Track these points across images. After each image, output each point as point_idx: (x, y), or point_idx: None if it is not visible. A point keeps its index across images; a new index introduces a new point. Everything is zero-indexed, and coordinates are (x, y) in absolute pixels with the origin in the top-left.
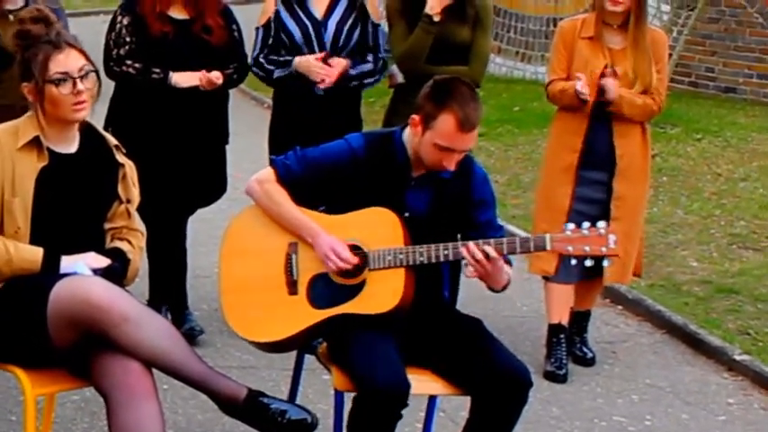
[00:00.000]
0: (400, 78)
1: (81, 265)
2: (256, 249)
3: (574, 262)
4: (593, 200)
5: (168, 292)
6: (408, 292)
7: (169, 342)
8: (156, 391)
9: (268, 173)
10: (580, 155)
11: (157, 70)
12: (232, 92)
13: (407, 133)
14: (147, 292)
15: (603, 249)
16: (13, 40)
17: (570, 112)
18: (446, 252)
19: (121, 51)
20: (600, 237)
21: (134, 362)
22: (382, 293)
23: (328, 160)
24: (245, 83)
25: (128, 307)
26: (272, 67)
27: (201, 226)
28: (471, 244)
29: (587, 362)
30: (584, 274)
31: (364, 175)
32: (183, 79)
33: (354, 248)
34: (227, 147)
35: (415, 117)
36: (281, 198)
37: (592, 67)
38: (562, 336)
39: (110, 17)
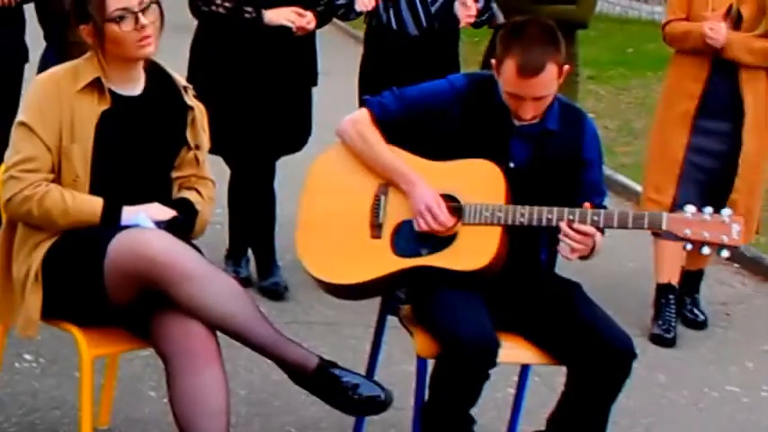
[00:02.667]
0: (501, 18)
1: (143, 217)
2: (343, 187)
3: (689, 247)
4: (711, 151)
5: (252, 242)
6: (501, 252)
7: (235, 303)
8: (220, 356)
9: (362, 113)
10: (699, 102)
11: (249, 9)
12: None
13: None
14: (226, 242)
15: (725, 238)
16: None
17: (689, 56)
18: (550, 217)
19: None
20: (722, 224)
21: (196, 323)
22: (473, 250)
23: (428, 99)
24: None
25: (191, 264)
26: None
27: (286, 169)
28: (578, 214)
29: (698, 325)
30: None
31: (466, 118)
32: (277, 17)
33: (449, 198)
34: (316, 89)
35: (494, 62)
36: (376, 140)
37: (715, 5)
38: (672, 296)
39: None
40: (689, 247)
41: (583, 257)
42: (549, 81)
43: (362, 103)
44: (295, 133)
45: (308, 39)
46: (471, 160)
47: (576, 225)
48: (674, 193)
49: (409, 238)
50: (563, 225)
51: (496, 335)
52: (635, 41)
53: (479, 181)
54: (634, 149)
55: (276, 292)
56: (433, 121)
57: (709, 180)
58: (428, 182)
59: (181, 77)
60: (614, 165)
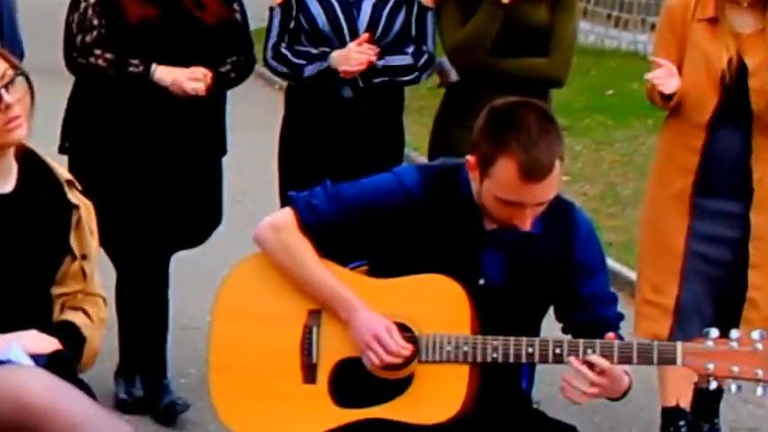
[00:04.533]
0: (453, 76)
1: (16, 350)
2: (263, 314)
3: (714, 386)
4: (721, 238)
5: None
6: (471, 396)
7: None
8: None
9: (286, 217)
10: (696, 177)
11: (136, 62)
12: None
13: None
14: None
15: (760, 373)
16: None
17: (680, 118)
18: (531, 351)
19: (87, 38)
20: (755, 353)
21: None
22: (435, 397)
23: (371, 200)
24: None
25: (78, 411)
26: (301, 62)
27: (188, 260)
28: (569, 352)
29: None
30: None
31: (422, 225)
32: (169, 76)
33: (400, 329)
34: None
35: (471, 159)
36: (304, 253)
37: (712, 60)
38: (682, 423)
39: None
40: (713, 385)
41: (613, 399)
42: (555, 182)
43: (286, 201)
44: (197, 222)
45: (214, 100)
46: (424, 276)
47: (589, 357)
48: (678, 293)
49: (352, 383)
50: (573, 360)
51: None
52: (615, 80)
53: (436, 303)
54: (623, 223)
55: (173, 414)
56: (377, 230)
57: (722, 276)
58: (371, 306)
59: (63, 169)
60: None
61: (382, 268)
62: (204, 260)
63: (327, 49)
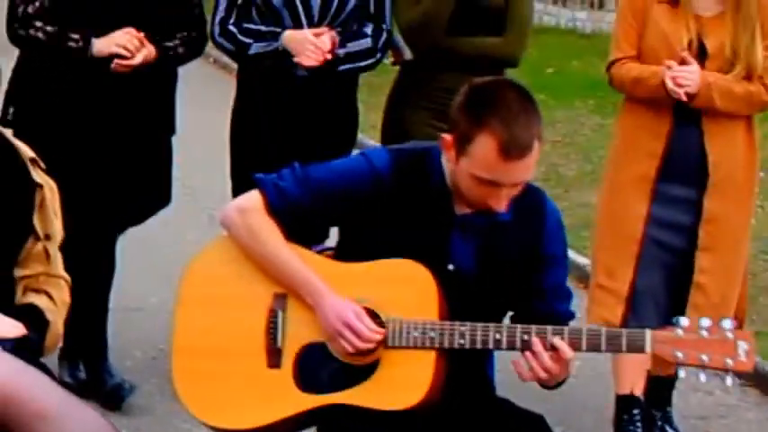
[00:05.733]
0: (408, 54)
1: None
2: (227, 297)
3: (682, 375)
4: (676, 225)
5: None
6: (437, 382)
7: None
8: None
9: (253, 199)
10: (660, 162)
11: (76, 36)
12: None
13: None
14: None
15: (729, 362)
16: None
17: (646, 105)
18: (498, 338)
19: (29, 9)
20: (725, 342)
21: None
22: (401, 383)
23: (340, 183)
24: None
25: (46, 397)
26: (248, 40)
27: (131, 242)
28: (535, 336)
29: None
30: (665, 323)
31: (391, 207)
32: (107, 45)
33: (367, 313)
34: (174, 137)
35: (447, 137)
36: (271, 236)
37: (672, 42)
38: (636, 411)
39: None
40: (681, 374)
41: (547, 387)
42: (533, 163)
43: (256, 183)
44: (143, 199)
45: (163, 75)
46: (391, 261)
47: (554, 341)
48: (633, 279)
49: (317, 368)
50: (536, 341)
51: None
52: (555, 58)
53: (403, 288)
54: (568, 205)
55: (119, 397)
56: (346, 213)
57: (676, 262)
58: (338, 290)
59: (27, 148)
60: None
61: (349, 252)
62: (145, 240)
63: (278, 30)
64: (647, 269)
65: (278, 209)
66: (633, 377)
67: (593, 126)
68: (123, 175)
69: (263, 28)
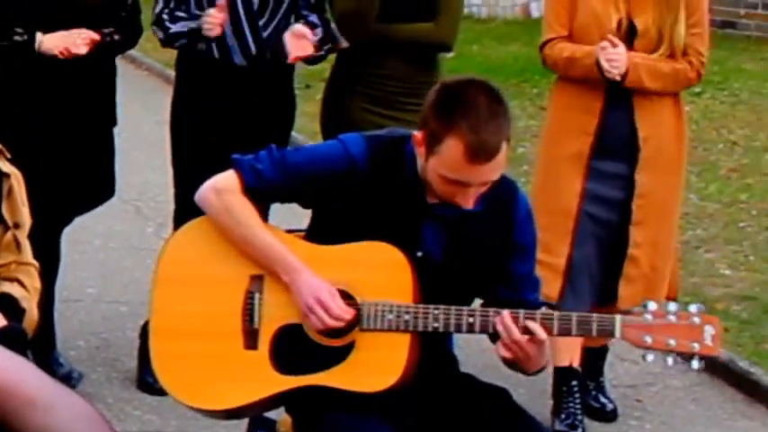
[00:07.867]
0: (343, 42)
1: None
2: (204, 278)
3: (650, 358)
4: (611, 200)
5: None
6: (412, 364)
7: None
8: None
9: (230, 180)
10: (594, 139)
11: (20, 30)
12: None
13: None
14: None
15: (695, 346)
16: None
17: (579, 84)
18: (471, 321)
19: None
20: (692, 327)
21: None
22: (375, 365)
23: (316, 168)
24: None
25: (36, 386)
26: (172, 26)
27: (66, 232)
28: (507, 316)
29: (607, 416)
30: (598, 298)
31: (365, 194)
32: (56, 44)
33: (342, 296)
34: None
35: (418, 135)
36: (248, 216)
37: (602, 21)
38: (574, 383)
39: None
40: (650, 357)
41: (525, 373)
42: (501, 164)
43: (233, 164)
44: (90, 190)
45: (104, 68)
46: (367, 244)
47: (507, 321)
48: (570, 253)
49: (293, 349)
50: (498, 325)
51: None
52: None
53: (378, 271)
54: None
55: (69, 386)
56: (320, 197)
57: (609, 237)
58: (314, 271)
59: None
60: None
61: (320, 235)
62: (80, 232)
63: (199, 12)
64: (583, 244)
65: (254, 190)
66: (571, 350)
67: (544, 126)
68: (71, 165)
69: (188, 13)
